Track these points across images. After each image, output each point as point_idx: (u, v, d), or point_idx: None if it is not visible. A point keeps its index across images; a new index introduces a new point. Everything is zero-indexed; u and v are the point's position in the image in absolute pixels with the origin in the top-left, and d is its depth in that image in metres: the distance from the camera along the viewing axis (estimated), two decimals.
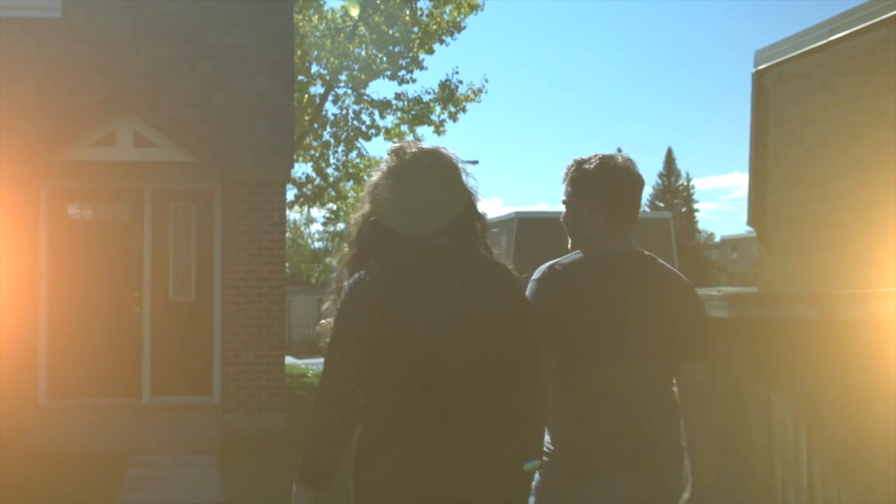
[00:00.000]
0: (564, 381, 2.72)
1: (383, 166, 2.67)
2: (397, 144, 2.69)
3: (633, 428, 2.69)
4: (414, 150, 2.65)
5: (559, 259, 2.86)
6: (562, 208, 3.04)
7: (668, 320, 2.80)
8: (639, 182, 2.91)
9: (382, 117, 20.49)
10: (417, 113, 20.21)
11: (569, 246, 2.98)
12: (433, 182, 2.58)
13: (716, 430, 2.92)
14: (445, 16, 19.38)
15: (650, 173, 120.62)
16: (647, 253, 2.91)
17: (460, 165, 2.63)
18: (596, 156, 2.91)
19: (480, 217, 2.64)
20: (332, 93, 20.17)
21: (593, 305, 2.74)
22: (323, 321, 2.61)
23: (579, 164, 2.93)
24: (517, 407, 2.50)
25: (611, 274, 2.80)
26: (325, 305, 2.67)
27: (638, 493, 2.67)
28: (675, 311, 2.82)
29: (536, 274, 2.83)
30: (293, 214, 40.27)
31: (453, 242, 2.57)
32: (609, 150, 2.98)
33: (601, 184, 2.87)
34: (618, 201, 2.87)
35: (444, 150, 2.65)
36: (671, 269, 2.92)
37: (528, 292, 2.74)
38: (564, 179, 2.98)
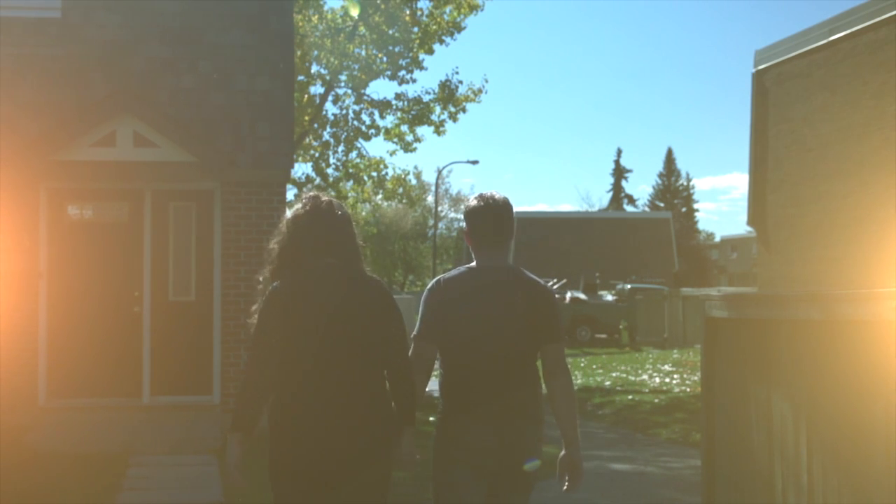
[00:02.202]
0: (445, 360, 3.85)
1: (305, 207, 3.79)
2: (313, 193, 3.84)
3: (491, 390, 3.76)
4: (326, 199, 3.82)
5: (445, 274, 3.98)
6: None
7: (521, 314, 3.81)
8: (495, 213, 3.93)
9: (382, 117, 20.52)
10: (417, 113, 20.23)
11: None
12: (338, 221, 3.78)
13: (570, 391, 3.85)
14: (445, 16, 19.39)
15: (650, 173, 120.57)
16: (512, 267, 3.94)
17: (349, 213, 3.90)
18: (485, 196, 3.97)
19: (360, 249, 3.86)
20: (332, 93, 20.19)
21: (462, 307, 3.83)
22: (251, 319, 3.74)
23: (466, 205, 4.04)
24: (391, 375, 3.70)
25: (477, 283, 3.88)
26: (254, 307, 3.75)
27: (491, 434, 3.74)
28: (530, 308, 3.82)
29: (430, 284, 3.94)
30: None
31: (342, 262, 3.75)
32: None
33: (469, 218, 3.96)
34: (480, 230, 3.92)
35: (342, 205, 3.91)
36: (530, 277, 3.93)
37: (422, 297, 3.91)
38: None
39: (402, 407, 3.72)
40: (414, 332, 3.92)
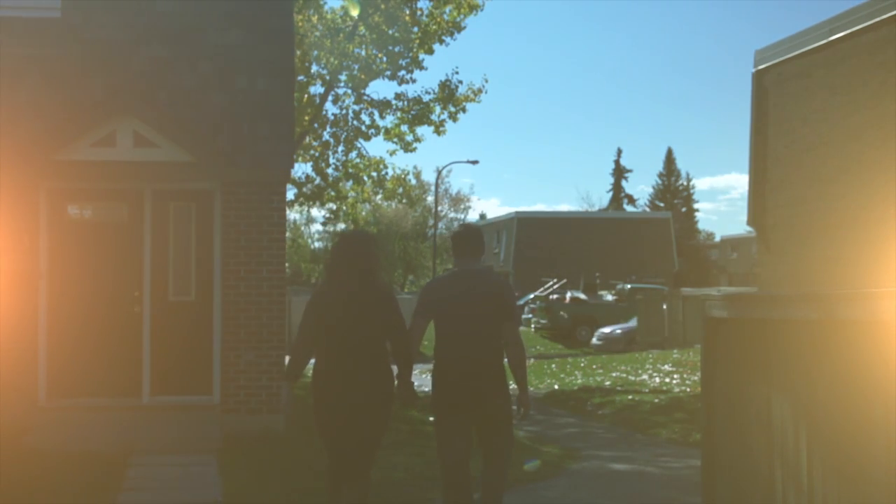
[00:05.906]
0: (437, 333, 5.83)
1: (344, 239, 5.95)
2: (351, 230, 5.57)
3: (469, 360, 5.67)
4: (359, 234, 6.22)
5: (439, 275, 6.23)
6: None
7: (489, 301, 5.74)
8: (477, 236, 6.02)
9: (382, 117, 20.49)
10: (417, 113, 20.21)
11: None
12: (364, 248, 5.81)
13: (522, 356, 5.79)
14: (445, 16, 19.37)
15: (650, 173, 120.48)
16: (482, 269, 5.92)
17: (373, 244, 6.01)
18: (461, 224, 5.61)
19: (378, 264, 5.95)
20: (332, 93, 20.17)
21: (447, 297, 5.82)
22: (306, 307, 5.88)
23: (456, 231, 6.10)
24: (393, 346, 5.73)
25: (458, 281, 5.87)
26: (308, 300, 5.90)
27: (468, 392, 5.65)
28: (494, 297, 5.77)
29: (428, 281, 6.59)
30: (293, 214, 40.16)
31: (364, 273, 5.70)
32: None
33: (458, 238, 5.98)
34: (464, 245, 5.93)
35: (370, 237, 6.24)
36: (495, 275, 6.12)
37: (421, 289, 5.86)
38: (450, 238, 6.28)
39: (401, 365, 5.73)
40: (413, 311, 5.80)
